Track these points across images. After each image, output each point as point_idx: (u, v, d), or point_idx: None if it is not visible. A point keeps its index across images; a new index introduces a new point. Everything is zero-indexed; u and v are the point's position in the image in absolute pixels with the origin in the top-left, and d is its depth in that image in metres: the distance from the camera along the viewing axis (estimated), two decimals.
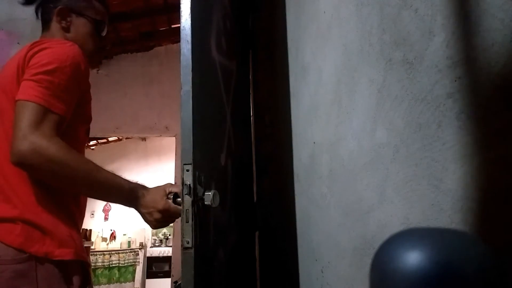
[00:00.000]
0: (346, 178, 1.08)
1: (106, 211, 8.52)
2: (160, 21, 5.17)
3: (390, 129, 0.81)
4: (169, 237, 7.04)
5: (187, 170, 0.93)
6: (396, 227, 0.77)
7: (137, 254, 7.10)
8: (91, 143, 7.02)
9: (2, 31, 1.80)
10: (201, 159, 0.99)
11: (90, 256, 6.53)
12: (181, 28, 1.02)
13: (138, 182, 1.02)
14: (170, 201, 0.99)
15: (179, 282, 4.33)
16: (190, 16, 1.02)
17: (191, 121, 0.95)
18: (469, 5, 0.58)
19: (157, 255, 7.08)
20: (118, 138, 7.11)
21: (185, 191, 0.91)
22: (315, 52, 1.43)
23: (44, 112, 0.89)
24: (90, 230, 7.26)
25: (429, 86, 0.67)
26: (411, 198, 0.72)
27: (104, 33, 1.20)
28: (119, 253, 7.02)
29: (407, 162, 0.74)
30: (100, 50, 1.31)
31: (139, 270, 6.97)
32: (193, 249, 0.89)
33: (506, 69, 0.51)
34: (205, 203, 0.94)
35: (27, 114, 0.87)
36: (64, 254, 0.91)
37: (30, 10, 1.86)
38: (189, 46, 1.00)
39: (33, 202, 0.92)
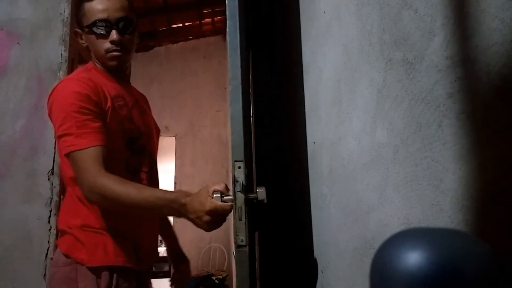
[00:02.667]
0: (346, 178, 1.08)
1: None
2: (160, 21, 5.17)
3: (390, 129, 0.81)
4: None
5: (239, 167, 0.89)
6: (396, 227, 0.77)
7: None
8: None
9: (2, 31, 1.80)
10: (248, 155, 0.97)
11: None
12: (228, 20, 0.98)
13: (180, 190, 1.06)
14: (216, 200, 0.94)
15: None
16: (238, 7, 0.99)
17: (241, 117, 0.92)
18: (469, 5, 0.58)
19: None
20: None
21: (238, 188, 0.88)
22: (315, 52, 1.43)
23: (80, 155, 1.02)
24: None
25: (429, 86, 0.67)
26: (411, 198, 0.72)
27: (102, 32, 1.12)
28: None
29: (407, 162, 0.74)
30: (125, 44, 1.16)
31: None
32: (247, 247, 0.87)
33: (506, 69, 0.51)
34: (259, 198, 0.91)
35: (73, 164, 1.04)
36: (92, 261, 1.05)
37: (30, 10, 1.86)
38: (237, 41, 0.97)
39: (77, 219, 1.10)
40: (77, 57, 1.92)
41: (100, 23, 1.11)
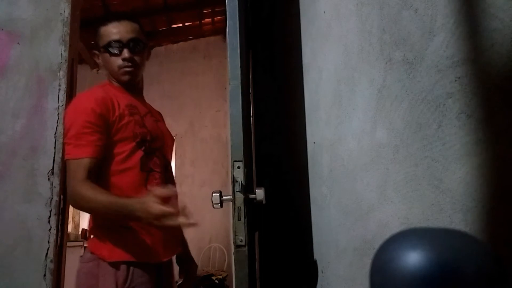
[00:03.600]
0: (346, 178, 1.08)
1: None
2: (160, 21, 5.16)
3: (390, 129, 0.81)
4: None
5: (238, 167, 0.91)
6: (396, 227, 0.77)
7: None
8: None
9: (2, 31, 1.80)
10: (247, 155, 0.97)
11: None
12: (228, 20, 0.99)
13: (133, 198, 1.17)
14: (214, 200, 1.00)
15: (179, 282, 4.33)
16: (238, 6, 1.00)
17: (241, 117, 0.93)
18: (469, 5, 0.58)
19: None
20: None
21: (237, 188, 0.89)
22: (315, 52, 1.43)
23: (72, 164, 1.17)
24: None
25: (429, 86, 0.67)
26: (411, 198, 0.72)
27: (115, 51, 1.30)
28: None
29: (407, 162, 0.74)
30: (136, 61, 1.34)
31: None
32: (246, 247, 0.88)
33: (506, 69, 0.51)
34: (257, 199, 0.92)
35: (67, 171, 1.20)
36: (112, 257, 1.18)
37: (30, 10, 1.85)
38: (237, 40, 0.98)
39: (99, 221, 1.24)
40: (77, 57, 1.91)
41: (113, 43, 1.29)
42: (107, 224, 1.22)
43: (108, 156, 1.22)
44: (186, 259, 1.50)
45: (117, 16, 1.33)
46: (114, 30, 1.29)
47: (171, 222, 1.03)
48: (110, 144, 1.22)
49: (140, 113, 1.32)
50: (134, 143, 1.25)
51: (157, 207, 1.02)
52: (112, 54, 1.30)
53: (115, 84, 1.34)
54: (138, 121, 1.28)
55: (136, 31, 1.33)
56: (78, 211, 7.93)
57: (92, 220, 1.27)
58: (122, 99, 1.28)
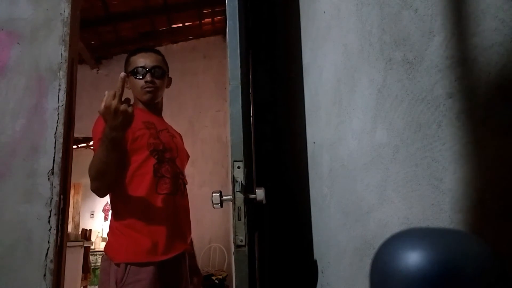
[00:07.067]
0: (346, 178, 1.08)
1: (106, 211, 8.51)
2: (160, 21, 5.16)
3: (390, 129, 0.81)
4: None
5: (238, 167, 0.91)
6: (396, 227, 0.77)
7: None
8: (91, 143, 7.01)
9: (2, 31, 1.79)
10: (248, 155, 0.98)
11: (90, 256, 6.52)
12: (228, 20, 1.00)
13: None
14: (214, 199, 1.03)
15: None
16: (238, 6, 1.00)
17: (241, 117, 0.94)
18: (469, 5, 0.58)
19: None
20: None
21: (237, 188, 0.90)
22: (315, 52, 1.43)
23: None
24: (90, 230, 7.26)
25: (429, 86, 0.67)
26: (411, 198, 0.72)
27: (140, 76, 1.55)
28: None
29: (407, 162, 0.74)
30: (152, 82, 1.61)
31: None
32: (246, 247, 0.88)
33: (506, 69, 0.51)
34: (258, 199, 0.93)
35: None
36: (116, 258, 1.40)
37: (30, 10, 1.85)
38: (237, 40, 0.98)
39: (110, 227, 1.50)
40: (77, 57, 1.91)
41: (139, 69, 1.56)
42: (117, 230, 1.44)
43: (127, 162, 1.44)
44: (194, 269, 1.70)
45: (145, 49, 1.64)
46: (141, 59, 1.58)
47: (108, 100, 1.20)
48: (129, 152, 1.44)
49: (157, 128, 1.56)
50: (148, 152, 1.48)
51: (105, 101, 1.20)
52: (137, 78, 1.56)
53: (140, 106, 1.59)
54: (153, 134, 1.52)
55: (159, 61, 1.62)
56: (78, 211, 7.93)
57: (109, 226, 1.50)
58: (142, 116, 1.53)
